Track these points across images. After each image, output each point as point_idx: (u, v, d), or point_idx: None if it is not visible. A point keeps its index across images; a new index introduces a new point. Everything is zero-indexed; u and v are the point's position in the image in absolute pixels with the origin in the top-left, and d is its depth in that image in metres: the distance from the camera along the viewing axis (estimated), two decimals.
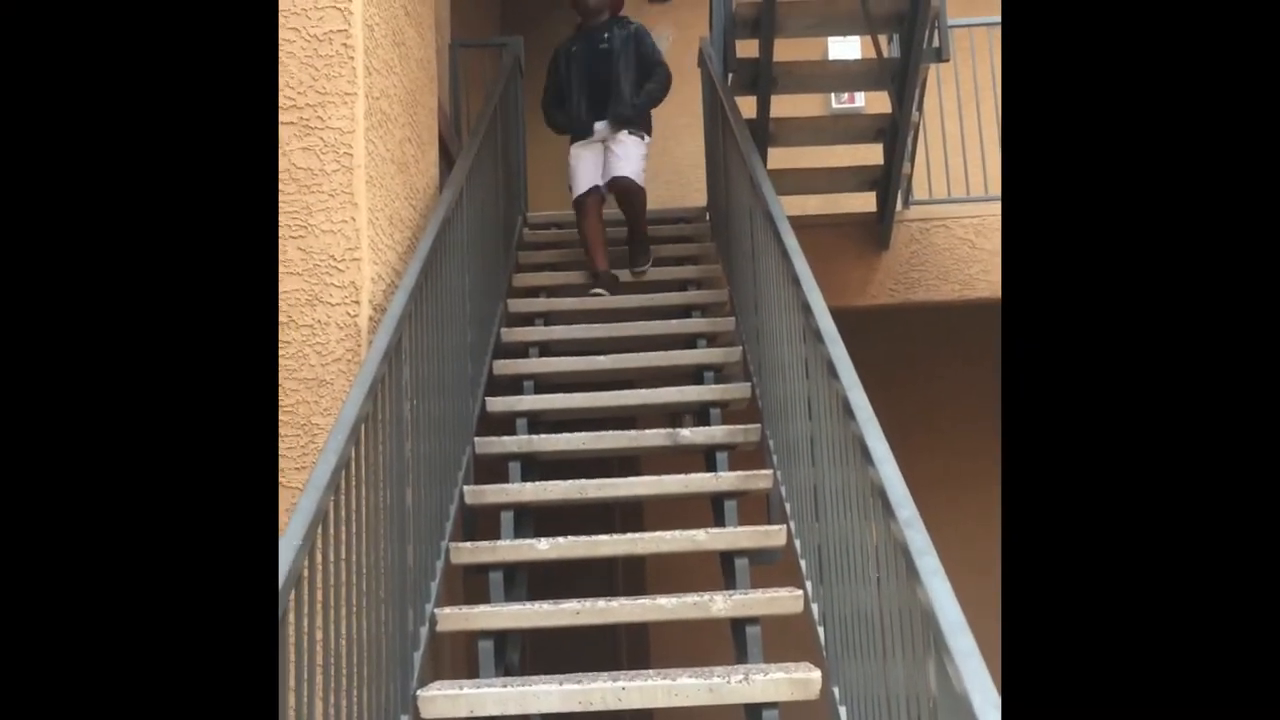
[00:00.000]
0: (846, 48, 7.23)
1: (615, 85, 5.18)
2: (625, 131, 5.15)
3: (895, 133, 5.35)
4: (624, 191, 5.15)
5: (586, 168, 5.20)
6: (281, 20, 3.08)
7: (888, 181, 5.59)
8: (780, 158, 5.58)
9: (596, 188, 5.14)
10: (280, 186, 3.06)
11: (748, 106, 5.12)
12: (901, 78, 5.10)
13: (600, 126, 5.18)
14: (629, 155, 5.16)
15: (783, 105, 5.58)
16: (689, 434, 3.92)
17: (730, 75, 5.36)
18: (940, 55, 5.03)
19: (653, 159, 7.16)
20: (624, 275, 5.23)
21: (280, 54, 3.10)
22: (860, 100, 7.18)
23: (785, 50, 5.23)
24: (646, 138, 5.26)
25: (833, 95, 7.24)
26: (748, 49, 5.19)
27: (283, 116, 3.09)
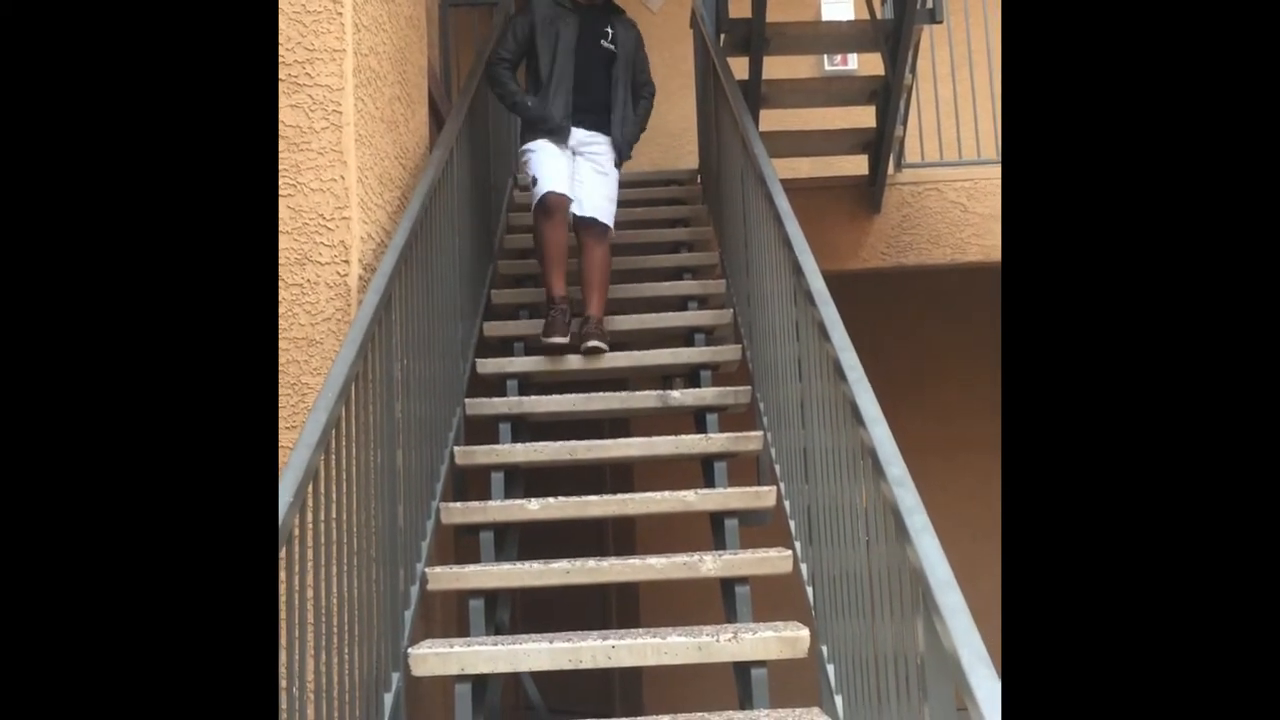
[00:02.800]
0: (840, 9, 7.18)
1: (614, 96, 4.31)
2: (609, 157, 4.27)
3: (888, 95, 5.32)
4: (593, 231, 4.18)
5: (558, 164, 4.21)
6: None
7: (880, 144, 5.57)
8: (772, 119, 5.56)
9: (566, 197, 4.19)
10: None
11: (740, 68, 5.09)
12: (895, 39, 5.07)
13: (584, 136, 4.26)
14: (603, 191, 4.22)
15: (775, 67, 5.54)
16: (679, 396, 3.92)
17: (722, 36, 5.32)
18: (934, 17, 5.00)
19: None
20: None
21: None
22: (853, 62, 7.14)
23: (778, 11, 5.20)
24: (618, 171, 4.36)
25: (825, 57, 7.20)
26: (740, 9, 5.15)
27: None
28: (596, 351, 4.03)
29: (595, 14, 4.35)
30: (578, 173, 4.21)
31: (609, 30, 4.34)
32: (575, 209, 4.17)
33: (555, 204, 4.15)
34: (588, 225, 4.17)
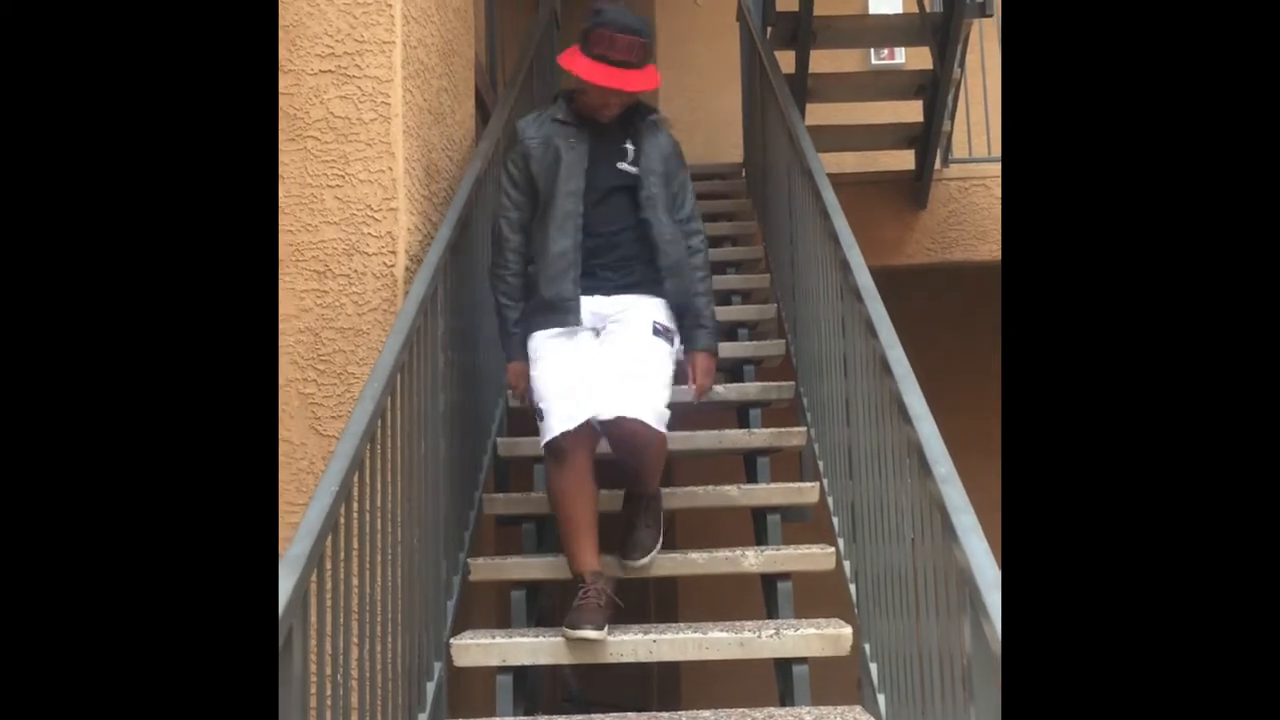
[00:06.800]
0: (888, 2, 7.13)
1: (652, 235, 2.90)
2: (647, 325, 2.87)
3: (936, 89, 5.28)
4: (631, 446, 2.80)
5: (570, 375, 2.82)
6: None
7: (927, 139, 5.53)
8: (818, 114, 5.52)
9: (589, 426, 2.79)
10: (318, 135, 3.05)
11: (786, 61, 5.06)
12: (943, 33, 5.03)
13: (608, 305, 2.89)
14: (647, 377, 2.81)
15: (822, 60, 5.51)
16: (722, 390, 3.91)
17: (769, 29, 5.29)
18: (984, 10, 4.94)
19: (687, 114, 7.12)
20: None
21: (319, 1, 3.08)
22: (901, 56, 7.09)
23: (825, 4, 5.16)
24: (677, 339, 2.96)
25: (873, 50, 7.15)
26: (787, 2, 5.13)
27: (320, 65, 3.08)
28: (639, 563, 2.93)
29: (608, 128, 2.96)
30: (601, 359, 2.85)
31: (628, 147, 2.95)
32: (600, 413, 2.78)
33: (567, 453, 2.79)
34: (618, 431, 2.78)
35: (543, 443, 2.83)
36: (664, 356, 2.87)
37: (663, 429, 2.81)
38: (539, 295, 2.87)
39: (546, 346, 2.86)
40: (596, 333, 2.89)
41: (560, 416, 2.78)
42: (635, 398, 2.76)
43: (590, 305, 2.88)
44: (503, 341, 2.99)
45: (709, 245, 3.17)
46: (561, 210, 2.85)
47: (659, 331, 2.87)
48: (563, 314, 2.84)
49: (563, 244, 2.84)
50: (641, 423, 2.75)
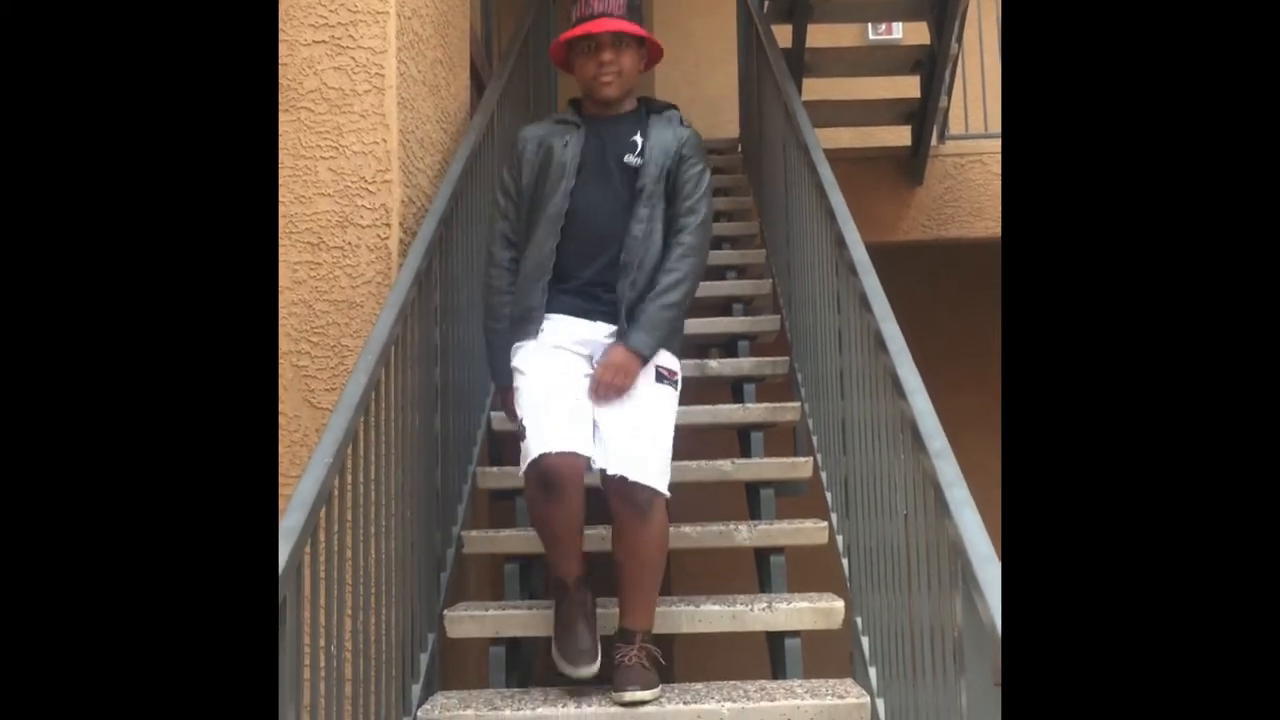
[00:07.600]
0: None
1: (631, 237, 2.63)
2: (650, 373, 2.59)
3: (933, 65, 5.26)
4: (630, 515, 2.51)
5: (553, 393, 2.54)
6: None
7: (923, 115, 5.51)
8: (815, 89, 5.50)
9: (582, 457, 2.48)
10: (311, 107, 3.04)
11: (783, 35, 5.04)
12: (941, 8, 5.01)
13: (606, 332, 2.62)
14: (637, 426, 2.55)
15: (819, 35, 5.48)
16: (717, 366, 3.91)
17: (766, 2, 5.26)
18: None
19: (684, 89, 7.08)
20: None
21: None
22: (898, 31, 7.06)
23: None
24: (677, 378, 2.68)
25: (870, 25, 7.11)
26: None
27: (314, 35, 3.06)
28: (633, 695, 2.49)
29: (618, 124, 2.73)
30: (602, 409, 2.57)
31: (637, 140, 2.69)
32: (598, 460, 2.51)
33: (558, 475, 2.45)
34: (618, 490, 2.50)
35: (523, 465, 2.48)
36: (669, 405, 2.62)
37: (665, 489, 2.52)
38: (516, 305, 2.67)
39: (532, 360, 2.58)
40: (590, 360, 2.61)
41: (544, 437, 2.45)
42: (628, 450, 2.50)
43: (579, 330, 2.62)
44: (489, 364, 2.76)
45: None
46: (547, 213, 2.63)
47: (664, 378, 2.61)
48: (527, 324, 2.62)
49: (544, 248, 2.62)
50: (635, 482, 2.48)
